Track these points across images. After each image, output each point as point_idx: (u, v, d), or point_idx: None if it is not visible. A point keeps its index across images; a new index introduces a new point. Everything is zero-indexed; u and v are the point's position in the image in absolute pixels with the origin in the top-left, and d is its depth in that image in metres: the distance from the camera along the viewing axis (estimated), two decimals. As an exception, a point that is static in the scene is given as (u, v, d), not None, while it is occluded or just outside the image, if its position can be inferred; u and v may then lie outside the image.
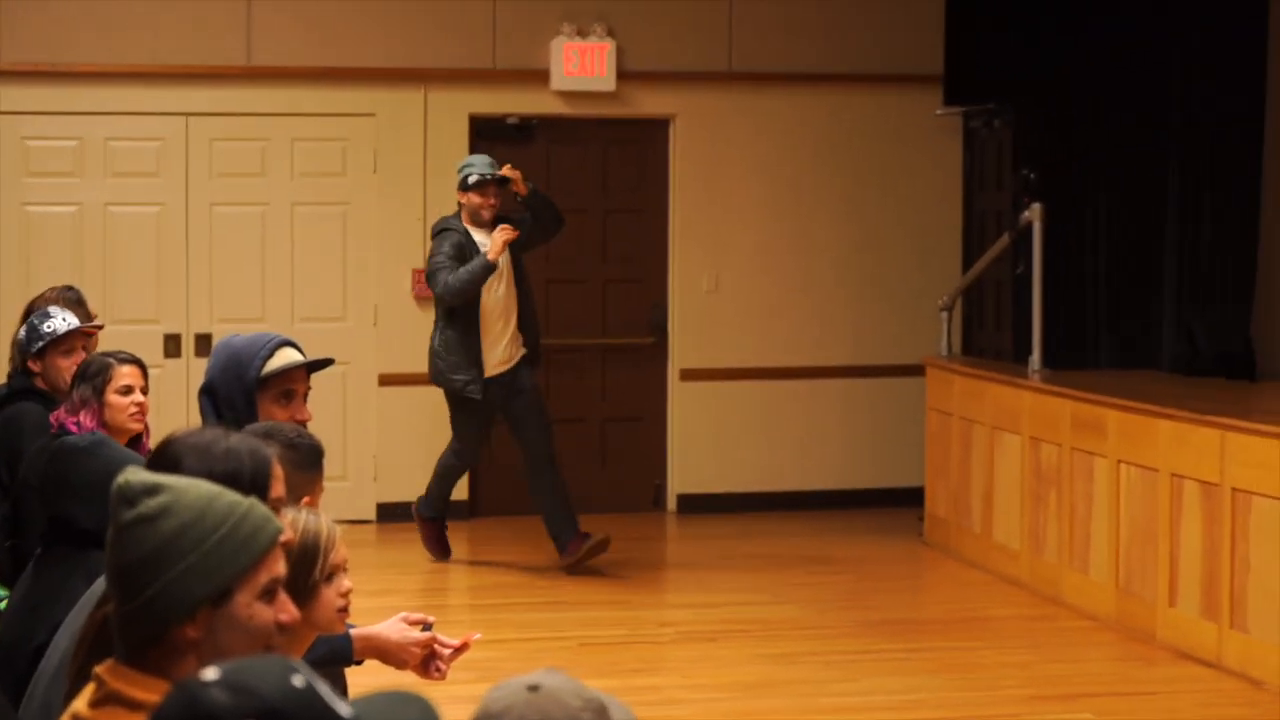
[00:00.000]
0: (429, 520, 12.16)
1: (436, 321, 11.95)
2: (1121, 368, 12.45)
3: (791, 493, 14.17)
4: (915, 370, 13.46)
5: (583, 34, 13.72)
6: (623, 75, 13.84)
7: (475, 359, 11.66)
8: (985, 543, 12.03)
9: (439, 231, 11.82)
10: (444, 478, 12.09)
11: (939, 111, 13.92)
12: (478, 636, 5.21)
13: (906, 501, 13.49)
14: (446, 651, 5.05)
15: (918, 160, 14.20)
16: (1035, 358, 12.18)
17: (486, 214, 11.70)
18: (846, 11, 14.13)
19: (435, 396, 12.10)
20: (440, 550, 12.18)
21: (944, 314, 13.25)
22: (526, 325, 11.96)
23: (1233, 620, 9.42)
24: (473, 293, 11.58)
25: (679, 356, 14.21)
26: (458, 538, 12.31)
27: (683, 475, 14.22)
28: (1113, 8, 12.65)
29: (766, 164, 14.09)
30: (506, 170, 11.71)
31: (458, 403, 11.84)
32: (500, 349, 11.80)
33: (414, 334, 13.25)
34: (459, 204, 11.81)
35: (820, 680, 9.25)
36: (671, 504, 14.20)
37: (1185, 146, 12.25)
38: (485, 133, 13.74)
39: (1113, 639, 10.17)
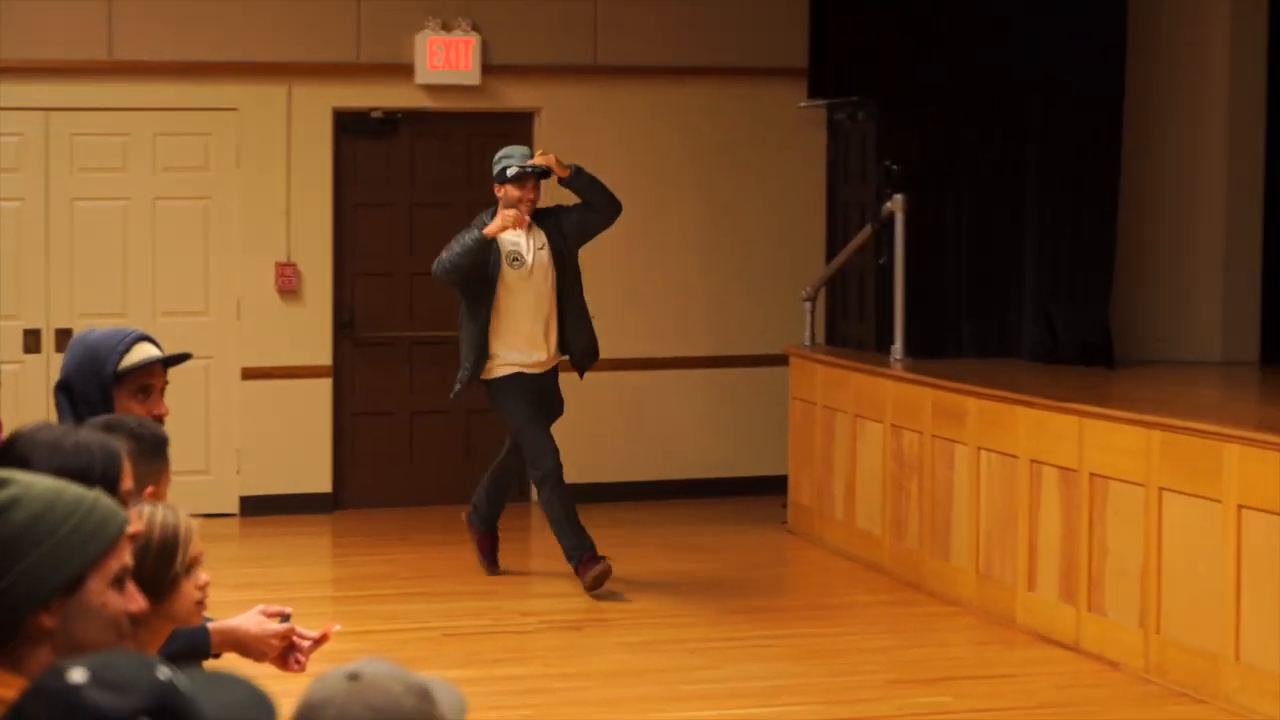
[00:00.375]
0: (478, 532, 11.57)
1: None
2: (982, 357, 12.52)
3: (656, 482, 14.16)
4: (779, 360, 13.50)
5: (447, 28, 13.69)
6: (487, 69, 13.80)
7: (477, 354, 10.95)
8: (848, 530, 12.10)
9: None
10: (493, 480, 11.50)
11: (803, 104, 13.96)
12: (337, 628, 5.20)
13: (770, 490, 13.54)
14: (305, 643, 5.04)
15: (782, 153, 14.24)
16: (897, 347, 12.27)
17: (525, 209, 10.87)
18: (711, 5, 14.13)
19: (300, 390, 12.05)
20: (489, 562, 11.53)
21: (807, 304, 13.29)
22: (572, 329, 11.14)
23: (1090, 603, 9.53)
24: (464, 268, 10.80)
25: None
26: (319, 530, 12.26)
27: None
28: (974, 2, 12.74)
29: (631, 157, 14.06)
30: (540, 158, 11.00)
31: (491, 398, 11.23)
32: (530, 350, 11.03)
33: (277, 327, 13.22)
34: (497, 199, 10.97)
35: (683, 668, 9.26)
36: (535, 495, 14.13)
37: (1044, 139, 12.34)
38: (349, 127, 13.70)
39: (973, 623, 10.26)
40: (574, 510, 10.97)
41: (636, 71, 14.11)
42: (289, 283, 12.99)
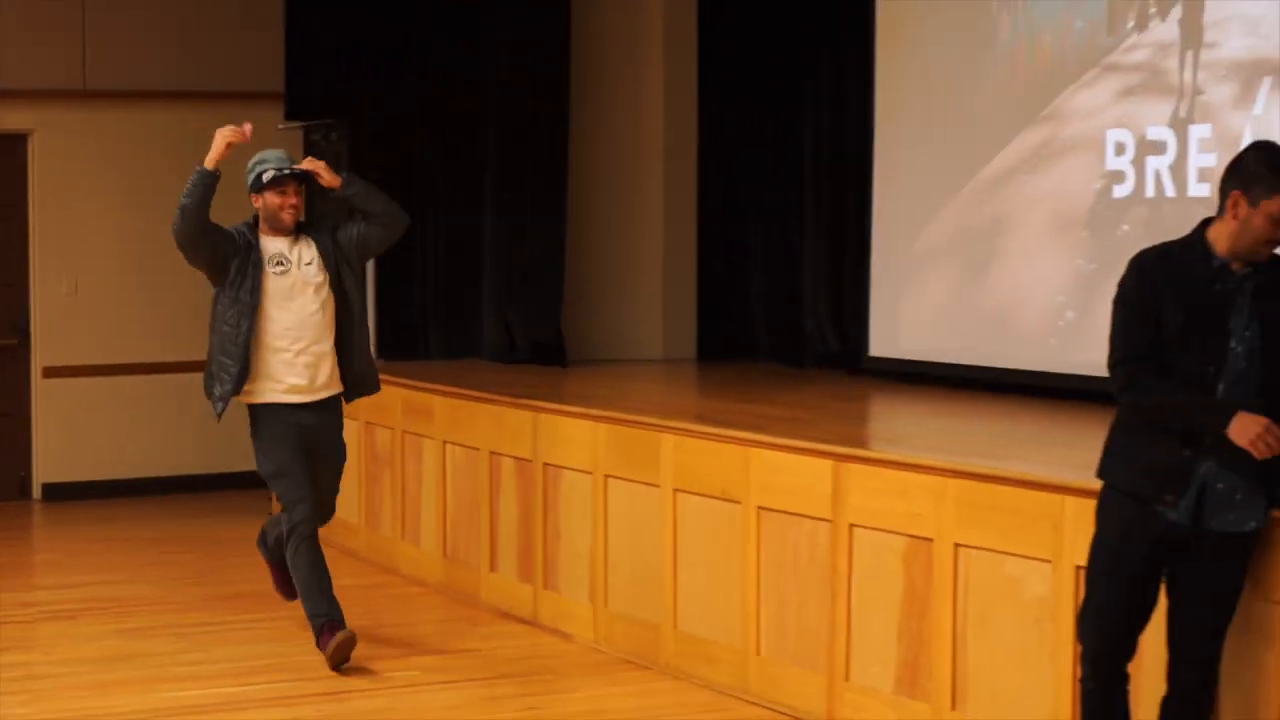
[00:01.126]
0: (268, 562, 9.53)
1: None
2: (448, 358, 12.52)
3: (150, 479, 13.95)
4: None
5: (-62, 51, 13.18)
6: (-20, 92, 13.35)
7: (240, 367, 8.71)
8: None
9: None
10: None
11: (281, 126, 13.74)
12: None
13: (256, 484, 13.30)
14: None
15: (263, 171, 14.02)
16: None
17: (288, 217, 8.77)
18: (196, 31, 13.89)
19: None
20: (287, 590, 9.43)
21: (287, 311, 13.16)
22: (345, 356, 8.96)
23: (546, 581, 9.56)
24: (190, 212, 8.55)
25: (41, 355, 13.82)
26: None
27: (47, 466, 13.84)
28: (435, 32, 12.72)
29: (122, 176, 13.76)
30: (308, 164, 8.86)
31: (251, 426, 9.00)
32: (286, 374, 8.82)
33: None
34: (254, 211, 8.90)
35: (172, 651, 9.03)
36: (37, 493, 13.82)
37: (500, 158, 12.41)
38: None
39: (441, 602, 10.21)
40: (323, 572, 8.84)
41: (126, 95, 13.76)
42: None
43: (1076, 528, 6.56)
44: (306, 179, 8.85)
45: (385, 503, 11.18)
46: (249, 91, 13.77)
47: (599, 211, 12.68)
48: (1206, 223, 5.92)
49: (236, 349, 8.70)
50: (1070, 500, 6.59)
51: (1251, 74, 8.93)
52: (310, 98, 13.40)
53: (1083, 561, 6.30)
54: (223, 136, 8.63)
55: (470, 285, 12.60)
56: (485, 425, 10.09)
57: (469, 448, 10.24)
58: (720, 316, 12.67)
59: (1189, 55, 9.25)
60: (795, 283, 12.10)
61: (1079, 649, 6.17)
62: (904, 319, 10.90)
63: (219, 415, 8.85)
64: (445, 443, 10.46)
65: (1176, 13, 9.32)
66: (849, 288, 11.59)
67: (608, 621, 9.10)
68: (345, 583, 10.57)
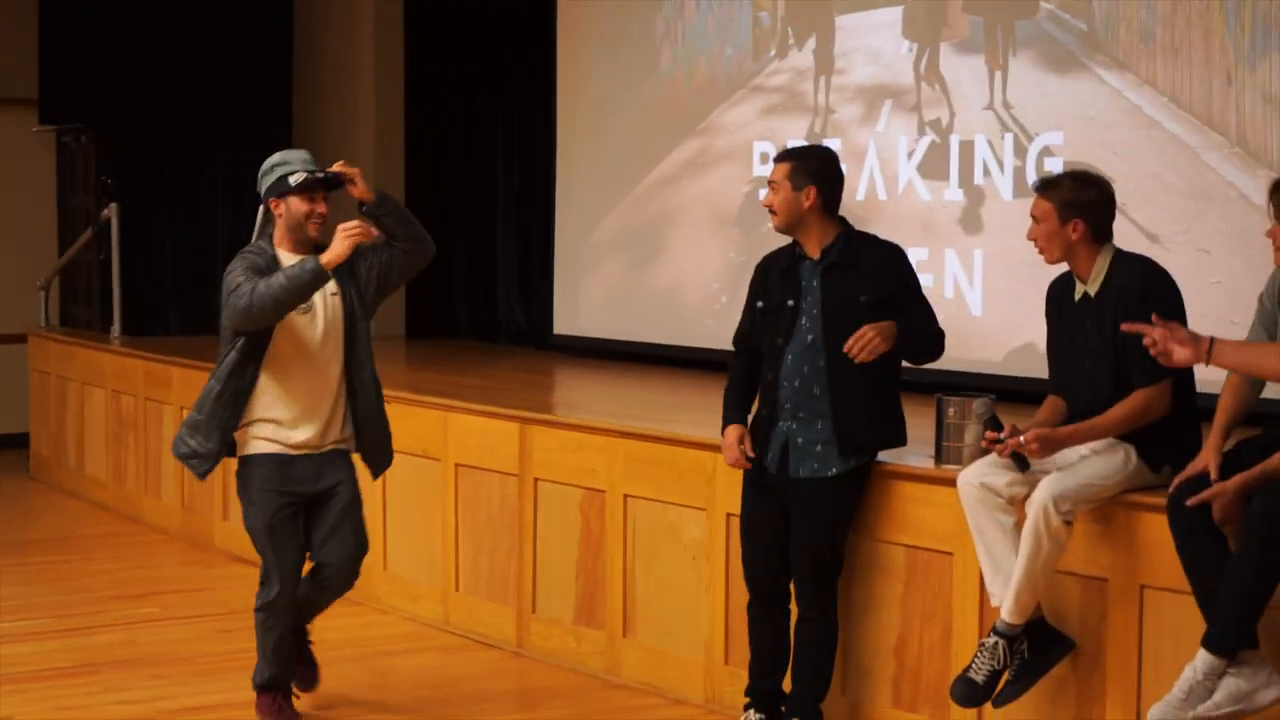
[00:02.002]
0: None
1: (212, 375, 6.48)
2: (186, 333, 12.32)
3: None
4: (20, 338, 12.97)
5: None
6: None
7: (226, 423, 6.36)
8: (79, 476, 11.70)
9: (238, 258, 6.34)
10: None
11: (35, 129, 13.43)
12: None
13: (16, 445, 13.07)
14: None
15: (17, 169, 13.62)
16: (116, 326, 11.96)
17: (314, 229, 6.32)
18: (-43, 42, 13.50)
19: None
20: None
21: (41, 292, 12.88)
22: (363, 406, 6.54)
23: (273, 529, 9.46)
24: (288, 307, 6.13)
25: None
26: None
27: None
28: (174, 45, 12.53)
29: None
30: (340, 167, 6.34)
31: (239, 479, 6.53)
32: (295, 423, 6.42)
33: None
34: (264, 224, 6.93)
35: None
36: None
37: (232, 154, 12.29)
38: None
39: (180, 548, 10.04)
40: (285, 643, 6.65)
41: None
42: None
43: (726, 481, 6.70)
44: (338, 185, 6.35)
45: (130, 461, 10.97)
46: (4, 97, 13.40)
47: (319, 204, 12.58)
48: None
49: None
50: (721, 457, 6.72)
51: (874, 97, 9.15)
52: (62, 102, 13.09)
53: (733, 510, 6.45)
54: (350, 238, 6.04)
55: (206, 268, 12.41)
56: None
57: (203, 413, 10.09)
58: (425, 298, 12.62)
59: (822, 80, 9.45)
60: (491, 268, 12.11)
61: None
62: (584, 301, 10.98)
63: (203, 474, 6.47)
64: (182, 408, 10.27)
65: (811, 44, 9.52)
66: (537, 273, 11.64)
67: (327, 564, 9.04)
68: (95, 531, 10.40)
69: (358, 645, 7.91)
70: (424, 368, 10.68)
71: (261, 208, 6.58)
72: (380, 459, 6.70)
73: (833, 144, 9.29)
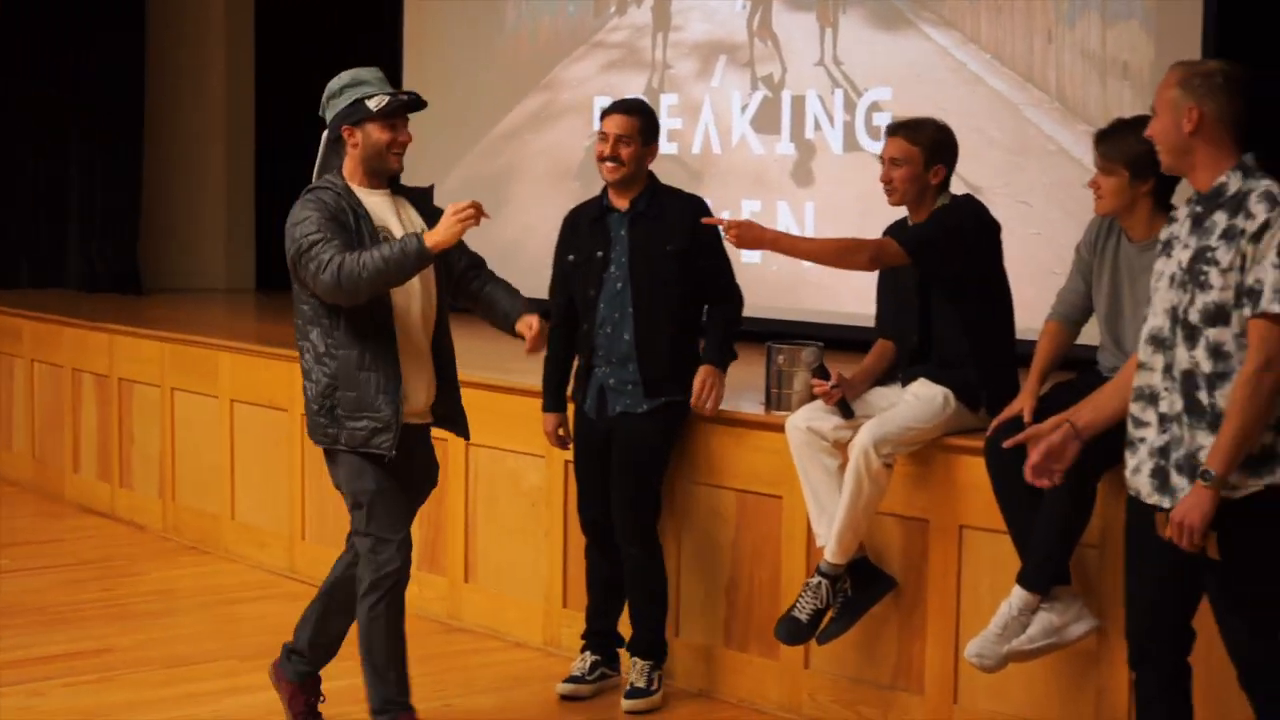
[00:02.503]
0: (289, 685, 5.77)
1: (309, 344, 5.35)
2: (38, 287, 12.05)
3: None
4: None
5: None
6: None
7: (388, 395, 5.27)
8: (-70, 429, 11.43)
9: (306, 198, 5.34)
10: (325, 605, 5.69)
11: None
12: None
13: None
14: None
15: None
16: (-35, 280, 11.71)
17: (396, 160, 5.35)
18: None
19: None
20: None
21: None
22: (446, 373, 5.56)
23: (122, 480, 9.27)
24: (383, 289, 5.22)
25: None
26: None
27: None
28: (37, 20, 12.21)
29: None
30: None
31: (334, 461, 5.41)
32: (420, 392, 5.44)
33: None
34: (326, 155, 5.47)
35: None
36: None
37: (83, 115, 12.00)
38: None
39: (31, 500, 9.80)
40: (401, 641, 5.40)
41: None
42: None
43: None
44: (421, 107, 5.37)
45: (-20, 414, 10.73)
46: None
47: (172, 164, 12.32)
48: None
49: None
50: (559, 405, 6.67)
51: (709, 53, 9.11)
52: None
53: (570, 457, 6.40)
54: (460, 220, 5.12)
55: (59, 223, 12.15)
56: (68, 346, 9.73)
57: (54, 365, 9.86)
58: (278, 251, 12.37)
59: (660, 36, 9.39)
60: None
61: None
62: (430, 254, 10.84)
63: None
64: (33, 361, 10.06)
65: (650, 1, 9.45)
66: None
67: (175, 514, 8.88)
68: (-57, 485, 10.15)
69: (206, 594, 7.80)
70: (272, 320, 10.50)
71: (325, 136, 5.41)
72: (461, 418, 5.68)
73: (669, 99, 9.24)
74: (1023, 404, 5.21)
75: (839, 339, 7.38)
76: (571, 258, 6.15)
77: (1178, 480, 4.16)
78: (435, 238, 5.14)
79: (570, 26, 9.91)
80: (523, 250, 10.10)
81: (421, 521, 7.36)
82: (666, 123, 9.21)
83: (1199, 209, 4.23)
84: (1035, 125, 7.67)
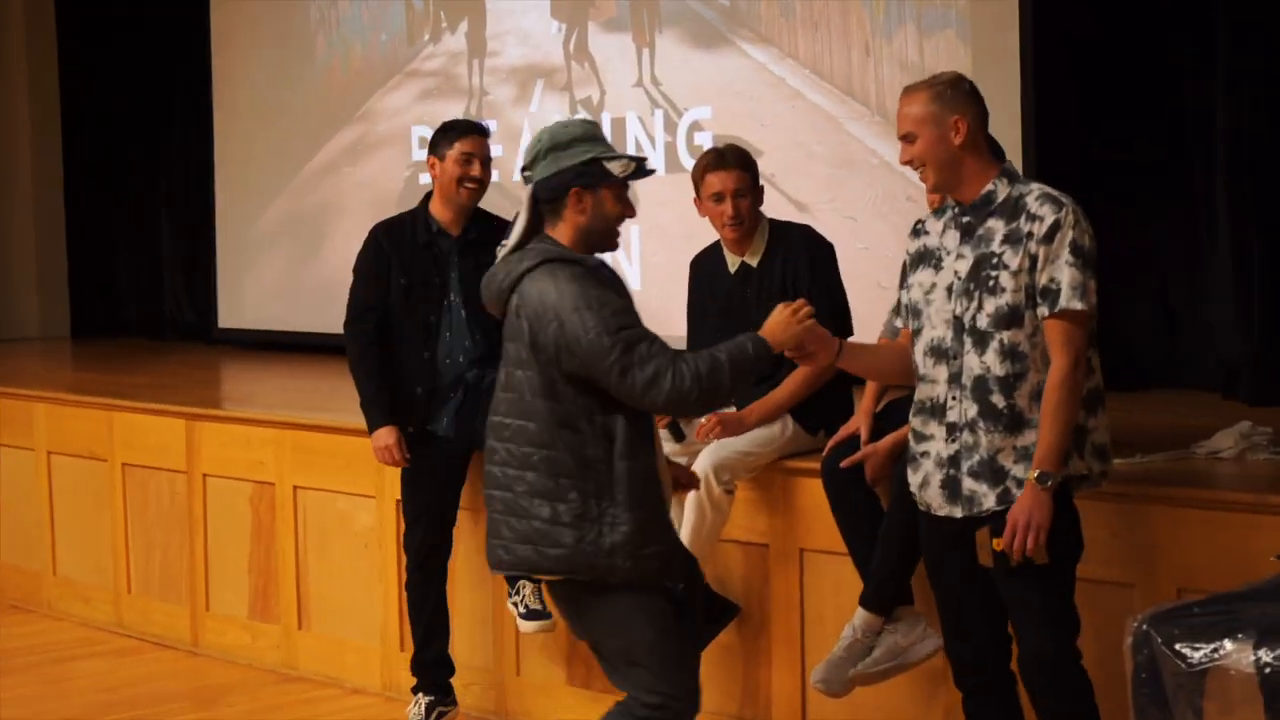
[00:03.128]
0: None
1: (549, 452, 4.40)
2: None
3: None
4: None
5: None
6: None
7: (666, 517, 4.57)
8: None
9: (571, 271, 4.40)
10: None
11: None
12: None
13: None
14: None
15: None
16: None
17: (618, 239, 4.58)
18: None
19: None
20: None
21: None
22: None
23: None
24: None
25: None
26: None
27: None
28: None
29: None
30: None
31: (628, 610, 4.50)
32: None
33: None
34: (536, 217, 4.55)
35: None
36: None
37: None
38: None
39: None
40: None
41: None
42: None
43: (394, 469, 6.51)
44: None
45: None
46: None
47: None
48: (428, 197, 6.08)
49: None
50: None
51: (526, 77, 9.04)
52: None
53: (398, 495, 6.28)
54: (800, 321, 4.42)
55: None
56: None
57: None
58: (91, 297, 12.14)
59: (476, 62, 9.30)
60: (155, 264, 11.68)
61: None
62: (250, 293, 10.65)
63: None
64: None
65: (464, 27, 9.37)
66: (203, 268, 11.24)
67: (-3, 572, 8.64)
68: None
69: (30, 653, 7.57)
70: (90, 368, 10.25)
71: (533, 194, 4.46)
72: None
73: (489, 125, 9.16)
74: (858, 423, 5.19)
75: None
76: (404, 281, 5.98)
77: (972, 486, 4.17)
78: (777, 337, 4.40)
79: (383, 55, 9.79)
80: (345, 287, 9.92)
81: (251, 569, 7.23)
82: (486, 150, 9.13)
83: (967, 219, 4.24)
84: (857, 139, 7.69)
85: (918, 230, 4.41)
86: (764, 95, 7.99)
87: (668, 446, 5.50)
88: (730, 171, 5.41)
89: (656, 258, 8.37)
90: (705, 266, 5.71)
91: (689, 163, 8.26)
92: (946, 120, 4.19)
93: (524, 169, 4.50)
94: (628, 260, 8.49)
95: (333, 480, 6.89)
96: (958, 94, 4.22)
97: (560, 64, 8.83)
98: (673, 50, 8.35)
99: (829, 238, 5.64)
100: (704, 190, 5.46)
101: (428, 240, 6.00)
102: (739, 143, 6.07)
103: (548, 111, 8.85)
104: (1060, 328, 4.09)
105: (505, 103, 9.12)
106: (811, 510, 5.40)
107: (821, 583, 5.44)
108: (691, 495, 5.35)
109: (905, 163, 4.28)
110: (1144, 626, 3.70)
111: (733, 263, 5.56)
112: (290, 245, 10.36)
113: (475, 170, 5.95)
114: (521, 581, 5.85)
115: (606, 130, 8.59)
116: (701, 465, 5.35)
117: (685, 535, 5.34)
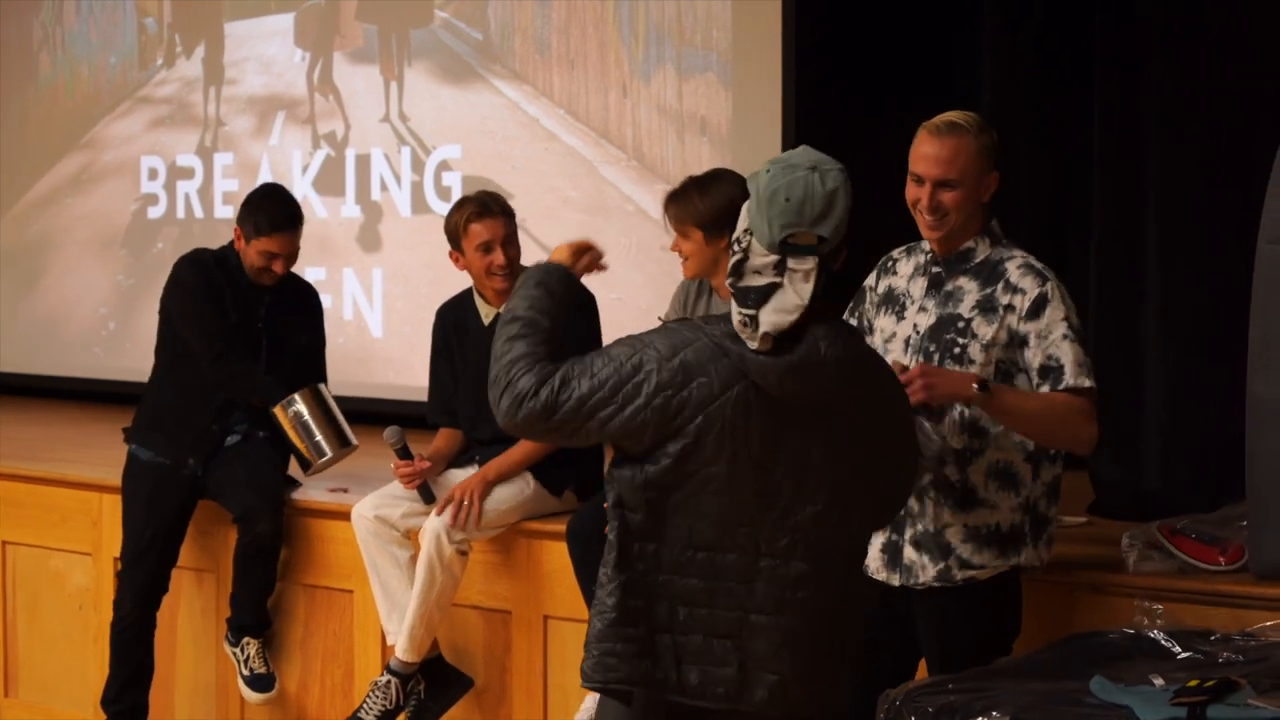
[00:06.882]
0: None
1: None
2: None
3: None
4: None
5: None
6: None
7: None
8: None
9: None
10: None
11: None
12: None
13: None
14: None
15: None
16: None
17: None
18: None
19: None
20: None
21: None
22: None
23: None
24: None
25: None
26: None
27: None
28: None
29: None
30: None
31: None
32: None
33: None
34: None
35: None
36: None
37: None
38: None
39: None
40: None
41: None
42: None
43: (112, 523, 6.37)
44: None
45: None
46: None
47: None
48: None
49: None
50: (108, 498, 6.40)
51: (267, 108, 8.96)
52: None
53: (118, 553, 6.15)
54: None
55: None
56: None
57: None
58: None
59: (212, 90, 9.19)
60: None
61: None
62: (-40, 330, 10.38)
63: None
64: None
65: (200, 52, 9.25)
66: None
67: None
68: None
69: None
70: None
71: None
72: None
73: (224, 159, 9.06)
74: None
75: (410, 416, 7.28)
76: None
77: (913, 556, 4.10)
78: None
79: (112, 79, 9.62)
80: (64, 327, 9.74)
81: (-47, 632, 7.00)
82: (221, 184, 9.03)
83: (938, 270, 4.13)
84: (612, 184, 7.74)
85: (886, 267, 4.27)
86: (517, 135, 8.02)
87: (403, 507, 5.48)
88: (497, 219, 5.45)
89: (400, 303, 8.33)
90: (451, 317, 5.69)
91: (435, 203, 8.24)
92: (988, 174, 4.07)
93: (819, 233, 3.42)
94: (369, 305, 8.44)
95: (46, 536, 6.72)
96: (995, 146, 4.06)
97: (303, 95, 8.76)
98: (422, 85, 8.33)
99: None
100: (468, 240, 5.45)
101: (246, 284, 5.95)
102: (489, 185, 6.12)
103: (288, 145, 8.77)
104: (1081, 403, 3.97)
105: (243, 134, 9.01)
106: (555, 574, 5.40)
107: (565, 651, 5.44)
108: (422, 555, 5.32)
109: (924, 207, 4.04)
110: (897, 702, 3.75)
111: (486, 314, 5.54)
112: (6, 280, 10.10)
113: (278, 267, 5.90)
114: (247, 639, 5.81)
115: (350, 168, 8.55)
116: (433, 523, 5.33)
117: (414, 597, 5.31)
